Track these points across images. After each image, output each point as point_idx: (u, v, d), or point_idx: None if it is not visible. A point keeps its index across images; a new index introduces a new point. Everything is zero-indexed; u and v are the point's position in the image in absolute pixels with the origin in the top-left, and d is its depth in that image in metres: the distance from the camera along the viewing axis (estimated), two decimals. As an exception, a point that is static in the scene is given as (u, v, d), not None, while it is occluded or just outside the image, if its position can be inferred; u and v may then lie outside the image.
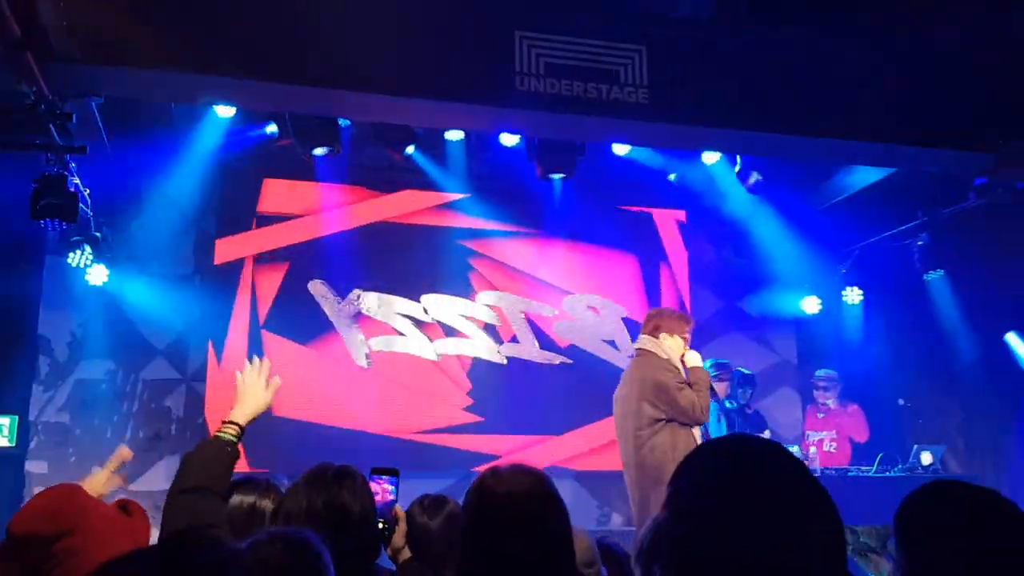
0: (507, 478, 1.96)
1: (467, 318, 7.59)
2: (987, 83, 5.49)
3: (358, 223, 7.47)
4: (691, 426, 4.78)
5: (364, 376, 7.30)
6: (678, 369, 4.89)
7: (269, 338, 7.09)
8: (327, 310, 7.28)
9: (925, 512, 1.70)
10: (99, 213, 6.42)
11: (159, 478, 6.66)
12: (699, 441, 4.74)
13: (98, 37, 4.34)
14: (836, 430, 7.16)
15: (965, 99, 5.50)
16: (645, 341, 4.99)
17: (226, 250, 7.19)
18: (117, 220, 6.74)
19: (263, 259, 7.22)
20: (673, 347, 4.93)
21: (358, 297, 7.36)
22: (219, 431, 2.44)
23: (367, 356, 7.33)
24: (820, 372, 7.47)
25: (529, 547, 1.86)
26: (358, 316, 7.35)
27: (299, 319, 7.18)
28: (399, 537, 2.55)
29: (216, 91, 5.01)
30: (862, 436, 7.18)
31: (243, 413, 2.49)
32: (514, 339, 7.66)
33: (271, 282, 7.21)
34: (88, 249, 6.38)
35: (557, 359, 7.69)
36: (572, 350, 7.74)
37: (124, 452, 3.05)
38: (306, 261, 7.29)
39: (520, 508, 1.90)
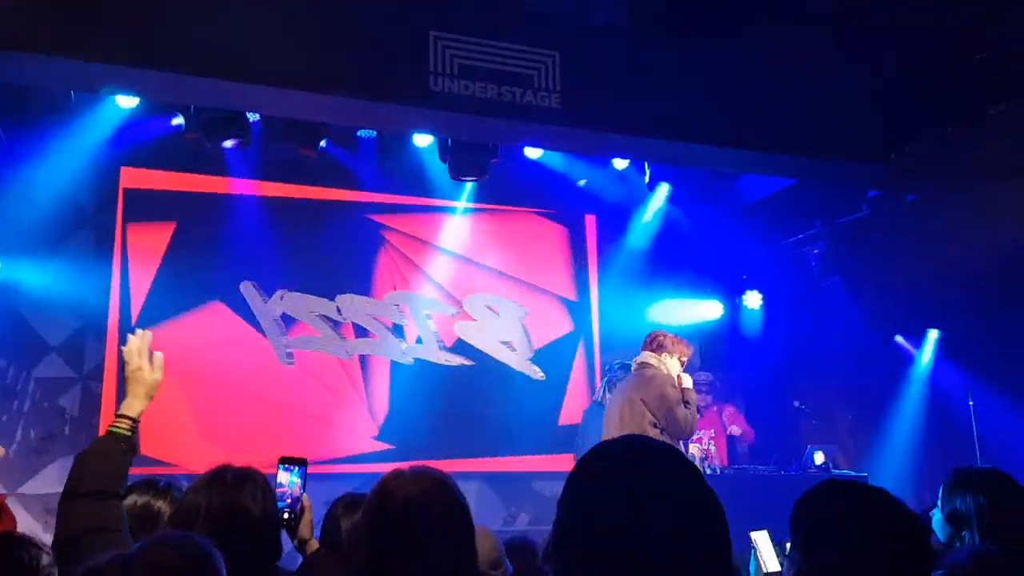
0: (408, 481, 1.95)
1: (376, 318, 7.55)
2: (881, 98, 5.75)
3: (267, 195, 7.35)
4: (677, 440, 5.15)
5: (286, 374, 7.25)
6: (675, 387, 5.29)
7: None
8: (255, 310, 7.21)
9: (820, 511, 1.76)
10: (-11, 203, 6.13)
11: (51, 480, 6.39)
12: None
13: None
14: (714, 429, 7.41)
15: (860, 113, 5.75)
16: (648, 356, 5.39)
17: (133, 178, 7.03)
18: (9, 211, 6.40)
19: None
20: (672, 367, 5.36)
21: (281, 297, 7.29)
22: (111, 426, 2.29)
23: (289, 355, 7.27)
24: (699, 375, 7.64)
25: (427, 551, 1.86)
26: (282, 316, 7.28)
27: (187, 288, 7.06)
28: (305, 528, 2.51)
29: (116, 81, 4.82)
30: (747, 436, 7.47)
31: (134, 404, 2.32)
32: (419, 339, 7.65)
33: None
34: (-23, 241, 6.09)
35: (457, 360, 7.70)
36: (472, 351, 7.76)
37: None
38: (223, 256, 7.17)
39: (419, 512, 1.89)
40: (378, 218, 7.72)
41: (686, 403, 5.24)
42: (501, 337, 7.89)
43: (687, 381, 5.41)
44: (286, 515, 2.45)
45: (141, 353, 2.34)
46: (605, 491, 1.27)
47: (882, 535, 1.66)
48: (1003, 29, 5.19)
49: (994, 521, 2.58)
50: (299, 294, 7.35)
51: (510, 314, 7.96)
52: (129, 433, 2.29)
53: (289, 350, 7.27)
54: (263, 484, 2.30)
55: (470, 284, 7.91)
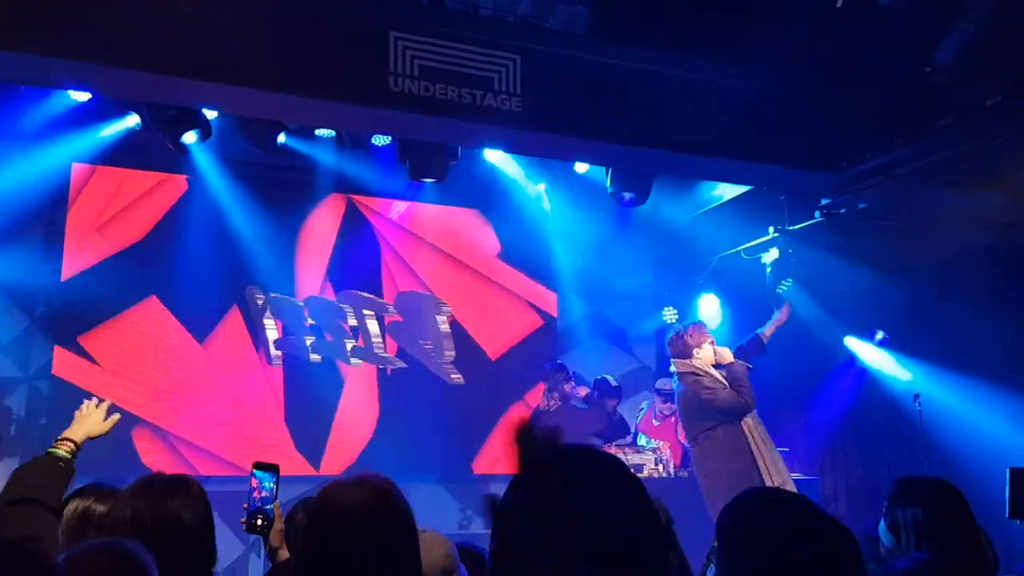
0: (348, 491, 1.93)
1: (333, 320, 7.51)
2: (836, 111, 5.87)
3: (224, 190, 7.14)
4: (737, 421, 5.23)
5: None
6: (714, 376, 5.36)
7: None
8: (254, 312, 7.23)
9: (740, 520, 1.77)
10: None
11: (-4, 482, 6.24)
12: (748, 434, 5.25)
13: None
14: (668, 440, 7.46)
15: (817, 125, 5.86)
16: (679, 365, 5.48)
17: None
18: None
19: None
20: (705, 357, 5.43)
21: (274, 298, 7.28)
22: (52, 448, 2.36)
23: (278, 357, 7.28)
24: (661, 382, 7.62)
25: (362, 562, 1.85)
26: (270, 317, 7.30)
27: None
28: (275, 536, 2.48)
29: (69, 76, 4.72)
30: None
31: (80, 432, 2.41)
32: (363, 342, 7.59)
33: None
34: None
35: (398, 363, 7.64)
36: (401, 354, 7.68)
37: None
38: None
39: (356, 522, 1.88)
40: (349, 210, 7.68)
41: (735, 378, 5.30)
42: (421, 338, 7.74)
43: (725, 355, 5.46)
44: (258, 521, 2.44)
45: (100, 410, 2.49)
46: (535, 505, 1.28)
47: (798, 542, 1.66)
48: (949, 46, 5.35)
49: (934, 530, 2.66)
50: (286, 297, 7.37)
51: (434, 312, 7.83)
52: (69, 456, 2.37)
53: (275, 352, 7.30)
54: (198, 492, 2.24)
55: (405, 282, 7.80)
